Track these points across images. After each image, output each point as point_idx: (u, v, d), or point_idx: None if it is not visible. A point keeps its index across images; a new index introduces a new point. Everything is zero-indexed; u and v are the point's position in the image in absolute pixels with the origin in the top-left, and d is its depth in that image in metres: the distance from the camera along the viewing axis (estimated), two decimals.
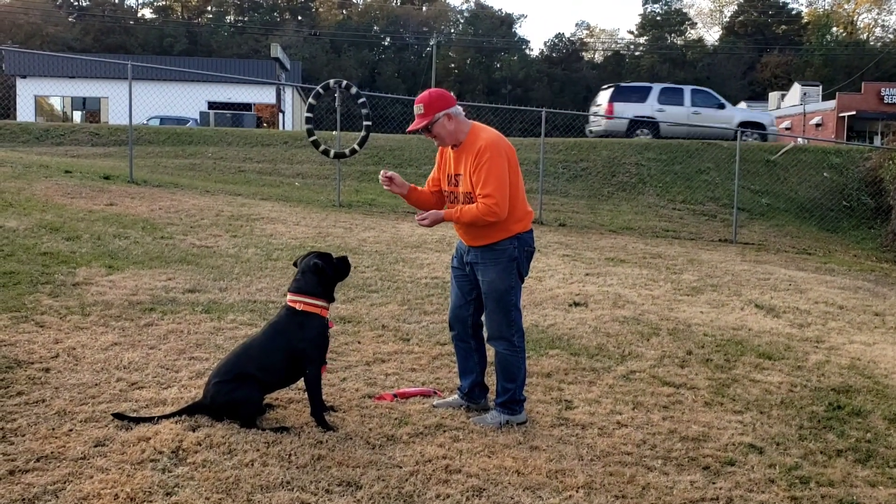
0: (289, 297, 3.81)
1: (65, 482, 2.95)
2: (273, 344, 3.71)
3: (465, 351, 4.14)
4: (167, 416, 3.57)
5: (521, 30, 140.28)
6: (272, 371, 3.68)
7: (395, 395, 4.19)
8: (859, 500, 3.46)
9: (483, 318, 4.06)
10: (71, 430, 3.40)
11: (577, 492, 3.26)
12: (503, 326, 3.87)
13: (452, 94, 3.84)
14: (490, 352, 4.12)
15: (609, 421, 4.14)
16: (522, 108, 21.09)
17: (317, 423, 3.66)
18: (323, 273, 3.80)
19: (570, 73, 77.16)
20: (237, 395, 3.56)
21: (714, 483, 3.49)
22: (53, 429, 3.41)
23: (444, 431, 3.80)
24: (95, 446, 3.27)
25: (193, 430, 3.47)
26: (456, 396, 4.20)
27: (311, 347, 3.71)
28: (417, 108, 3.75)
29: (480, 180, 3.68)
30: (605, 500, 3.22)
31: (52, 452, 3.18)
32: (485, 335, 4.10)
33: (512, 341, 3.89)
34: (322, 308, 3.78)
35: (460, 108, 3.77)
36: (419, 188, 4.06)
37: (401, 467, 3.33)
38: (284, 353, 3.70)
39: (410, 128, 3.85)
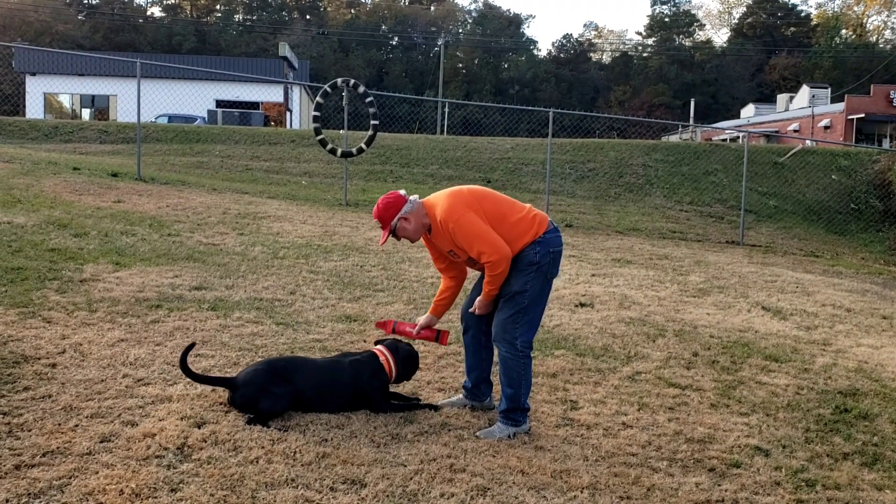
0: (379, 346, 4.13)
1: (70, 477, 2.96)
2: (344, 377, 3.92)
3: (476, 347, 4.13)
4: (208, 380, 3.83)
5: (529, 30, 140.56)
6: (327, 398, 3.85)
7: (394, 329, 4.19)
8: None
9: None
10: (77, 426, 3.41)
11: (581, 492, 3.25)
12: (507, 325, 3.82)
13: (401, 191, 3.86)
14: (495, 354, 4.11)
15: (614, 422, 4.13)
16: (530, 108, 21.06)
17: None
18: (413, 361, 4.22)
19: (578, 73, 77.07)
20: (266, 392, 3.67)
21: (719, 485, 3.48)
22: (59, 424, 3.42)
23: (449, 430, 3.80)
24: (101, 442, 3.28)
25: (199, 427, 3.48)
26: (461, 396, 4.20)
27: (376, 392, 3.97)
28: (376, 223, 3.88)
29: (465, 248, 3.75)
30: (610, 501, 3.21)
31: (57, 447, 3.19)
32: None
33: (514, 344, 3.81)
34: (390, 370, 4.05)
35: (413, 198, 3.83)
36: (437, 302, 4.13)
37: (405, 466, 3.33)
38: (350, 389, 3.92)
39: (380, 242, 4.03)
